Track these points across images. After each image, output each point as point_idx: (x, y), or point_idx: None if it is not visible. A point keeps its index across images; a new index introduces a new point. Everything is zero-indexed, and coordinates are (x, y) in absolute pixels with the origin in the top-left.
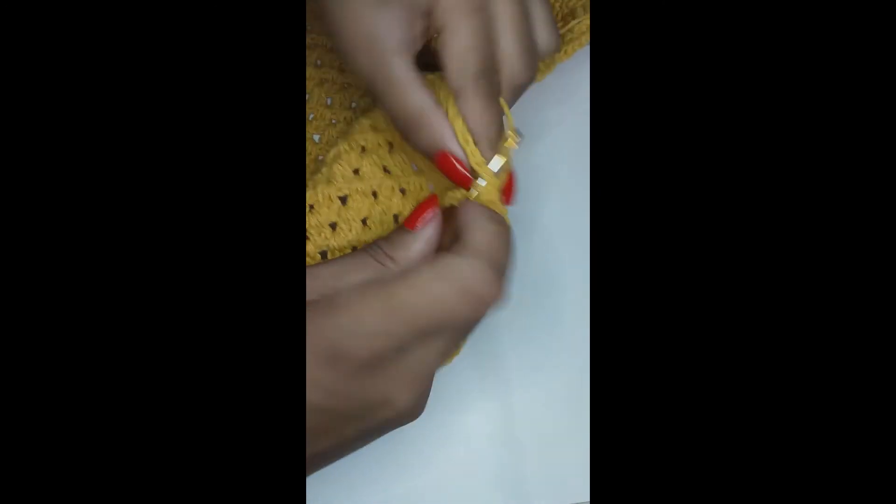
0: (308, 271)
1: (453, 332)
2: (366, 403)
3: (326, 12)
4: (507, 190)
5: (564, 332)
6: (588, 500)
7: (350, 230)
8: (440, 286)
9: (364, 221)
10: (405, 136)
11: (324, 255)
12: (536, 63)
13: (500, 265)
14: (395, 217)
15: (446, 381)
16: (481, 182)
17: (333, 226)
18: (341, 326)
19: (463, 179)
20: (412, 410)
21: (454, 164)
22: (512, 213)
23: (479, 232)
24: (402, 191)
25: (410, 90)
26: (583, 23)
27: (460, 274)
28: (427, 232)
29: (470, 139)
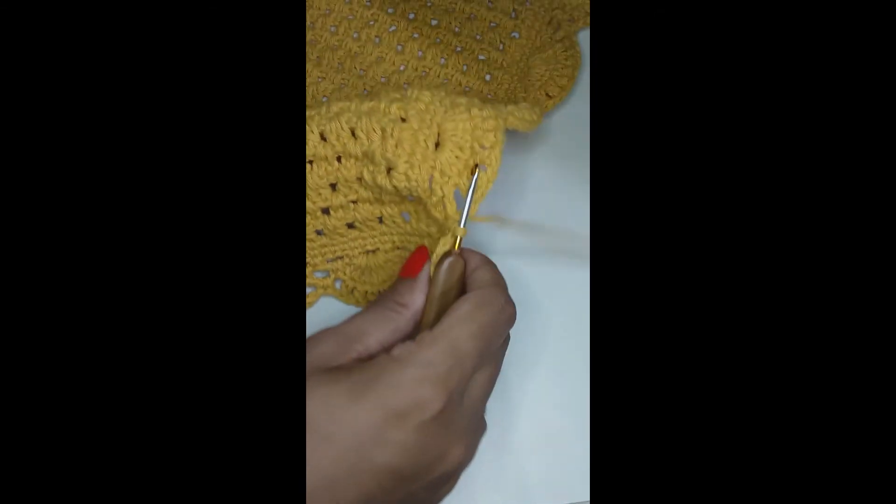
0: (326, 335)
1: (496, 354)
2: (434, 456)
3: None
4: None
5: (564, 331)
6: (588, 499)
7: (350, 189)
8: (483, 314)
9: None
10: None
11: (325, 211)
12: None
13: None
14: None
15: None
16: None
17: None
18: (409, 380)
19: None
20: (470, 455)
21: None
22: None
23: (483, 272)
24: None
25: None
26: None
27: (494, 300)
28: (424, 275)
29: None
